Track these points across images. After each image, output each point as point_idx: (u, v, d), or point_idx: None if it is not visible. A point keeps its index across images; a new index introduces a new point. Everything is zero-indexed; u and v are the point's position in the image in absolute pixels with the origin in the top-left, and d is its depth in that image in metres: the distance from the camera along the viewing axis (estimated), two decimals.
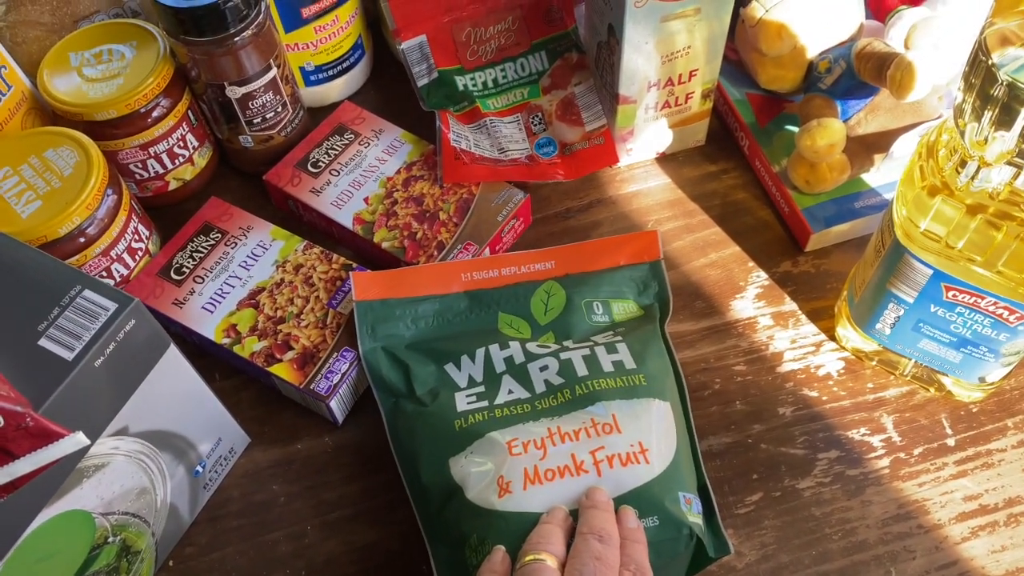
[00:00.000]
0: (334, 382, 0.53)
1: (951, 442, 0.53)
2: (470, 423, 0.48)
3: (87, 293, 0.41)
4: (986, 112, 0.39)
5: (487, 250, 0.59)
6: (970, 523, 0.50)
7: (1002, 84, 0.37)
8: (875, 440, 0.53)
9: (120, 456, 0.44)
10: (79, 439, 0.35)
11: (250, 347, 0.55)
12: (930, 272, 0.47)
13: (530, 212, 0.63)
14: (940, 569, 0.49)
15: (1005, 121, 0.38)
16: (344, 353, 0.54)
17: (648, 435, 0.46)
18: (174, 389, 0.46)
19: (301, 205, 0.62)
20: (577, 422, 0.47)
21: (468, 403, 0.49)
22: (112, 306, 0.41)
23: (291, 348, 0.55)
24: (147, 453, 0.46)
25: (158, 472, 0.47)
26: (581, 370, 0.49)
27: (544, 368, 0.50)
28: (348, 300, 0.56)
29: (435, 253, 0.58)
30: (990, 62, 0.37)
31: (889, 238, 0.49)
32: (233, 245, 0.59)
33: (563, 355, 0.51)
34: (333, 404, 0.53)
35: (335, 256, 0.58)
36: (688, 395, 0.52)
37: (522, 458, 0.45)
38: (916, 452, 0.53)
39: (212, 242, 0.59)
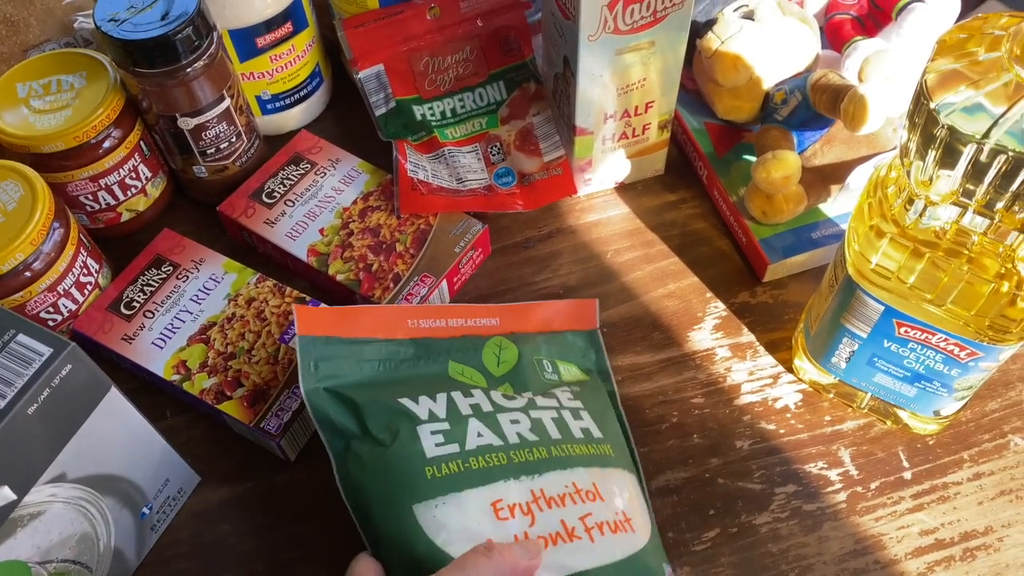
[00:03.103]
0: (285, 420, 0.52)
1: (908, 475, 0.53)
2: (444, 473, 0.45)
3: (20, 337, 0.40)
4: (930, 152, 0.39)
5: (444, 282, 0.58)
6: (926, 558, 0.50)
7: (943, 127, 0.37)
8: (832, 474, 0.53)
9: (58, 503, 0.43)
10: (5, 494, 0.34)
11: (200, 384, 0.54)
12: (882, 308, 0.47)
13: (489, 243, 0.62)
14: None
15: (948, 162, 0.38)
16: (295, 390, 0.53)
17: (629, 505, 0.46)
18: (116, 432, 0.45)
19: (255, 237, 0.61)
20: (559, 486, 0.45)
21: (436, 444, 0.46)
22: (47, 351, 0.40)
23: (241, 385, 0.54)
24: (88, 499, 0.45)
25: (100, 517, 0.46)
26: (554, 432, 0.48)
27: (515, 422, 0.48)
28: None
29: (391, 285, 0.57)
30: (931, 105, 0.37)
31: (842, 273, 0.48)
32: (185, 278, 0.58)
33: (533, 413, 0.49)
34: (283, 443, 0.52)
35: (288, 289, 0.57)
36: (640, 464, 0.52)
37: (510, 523, 0.43)
38: (873, 486, 0.52)
39: (163, 275, 0.58)
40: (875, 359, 0.50)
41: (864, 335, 0.49)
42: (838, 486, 0.53)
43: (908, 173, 0.41)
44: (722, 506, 0.52)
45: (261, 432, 0.52)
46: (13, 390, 0.39)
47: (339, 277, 0.58)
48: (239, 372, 0.54)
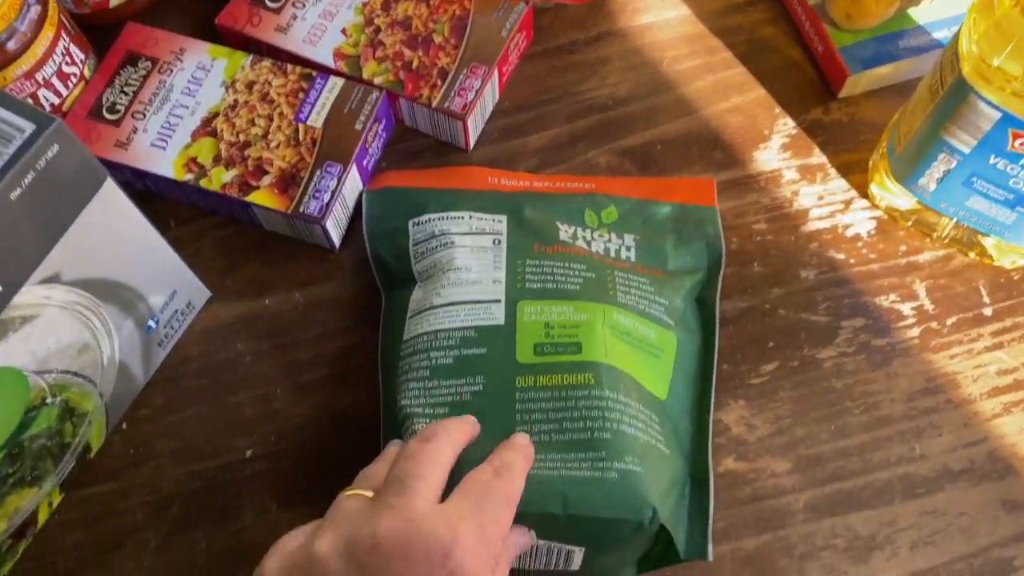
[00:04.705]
0: (325, 201, 0.47)
1: (988, 311, 0.48)
2: None
3: None
4: None
5: (496, 72, 0.51)
6: (1003, 399, 0.46)
7: None
8: (905, 308, 0.48)
9: (53, 307, 0.38)
10: None
11: (219, 179, 0.48)
12: (998, 116, 0.40)
13: (531, 26, 0.55)
14: (967, 447, 0.45)
15: None
16: (328, 168, 0.48)
17: None
18: (115, 232, 0.40)
19: (266, 48, 0.53)
20: None
21: None
22: (29, 127, 0.34)
23: (266, 172, 0.48)
24: (86, 304, 0.40)
25: (101, 326, 0.41)
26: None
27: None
28: (317, 112, 0.49)
29: (438, 82, 0.50)
30: None
31: (951, 76, 0.42)
32: (168, 72, 0.51)
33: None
34: (329, 225, 0.48)
35: (289, 67, 0.50)
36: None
37: None
38: (949, 322, 0.48)
39: (143, 72, 0.51)
40: (974, 179, 0.44)
41: (967, 150, 0.43)
42: (911, 321, 0.48)
43: None
44: (783, 339, 0.48)
45: (301, 218, 0.47)
46: None
47: (377, 80, 0.51)
48: (260, 160, 0.48)
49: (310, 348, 0.48)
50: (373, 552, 0.30)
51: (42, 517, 0.44)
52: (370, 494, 0.33)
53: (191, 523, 0.44)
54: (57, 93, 0.50)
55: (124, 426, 0.46)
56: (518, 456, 0.36)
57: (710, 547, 0.40)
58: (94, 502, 0.45)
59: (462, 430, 0.36)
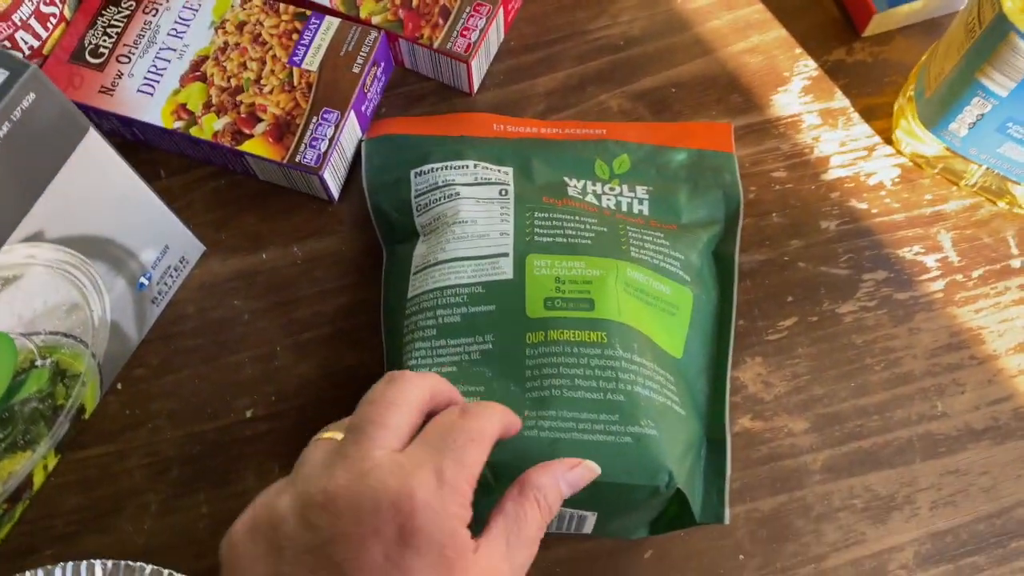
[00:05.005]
0: (322, 150, 0.45)
1: (1016, 263, 0.46)
2: None
3: None
4: None
5: (500, 10, 0.48)
6: None
7: None
8: (930, 260, 0.46)
9: (38, 266, 0.36)
10: None
11: (210, 127, 0.46)
12: None
13: None
14: (991, 404, 0.44)
15: None
16: (325, 115, 0.45)
17: None
18: (101, 185, 0.38)
19: None
20: None
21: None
22: (1, 74, 0.31)
23: (260, 120, 0.46)
24: (74, 263, 0.38)
25: (91, 285, 0.40)
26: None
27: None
28: (312, 54, 0.46)
29: (440, 21, 0.47)
30: None
31: (990, 13, 0.39)
32: (154, 12, 0.48)
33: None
34: (326, 176, 0.45)
35: (282, 6, 0.48)
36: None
37: None
38: (975, 274, 0.46)
39: (126, 12, 0.48)
40: (1009, 124, 0.42)
41: (1003, 93, 0.40)
42: (935, 273, 0.46)
43: None
44: (802, 292, 0.46)
45: (298, 168, 0.45)
46: None
47: (375, 20, 0.48)
48: (253, 106, 0.46)
49: (310, 305, 0.46)
50: (324, 509, 0.28)
51: (38, 480, 0.43)
52: (340, 436, 0.30)
53: (192, 486, 0.43)
54: (36, 35, 0.47)
55: (119, 387, 0.45)
56: (495, 406, 0.32)
57: (727, 511, 0.39)
58: (91, 465, 0.44)
59: (438, 378, 0.33)
